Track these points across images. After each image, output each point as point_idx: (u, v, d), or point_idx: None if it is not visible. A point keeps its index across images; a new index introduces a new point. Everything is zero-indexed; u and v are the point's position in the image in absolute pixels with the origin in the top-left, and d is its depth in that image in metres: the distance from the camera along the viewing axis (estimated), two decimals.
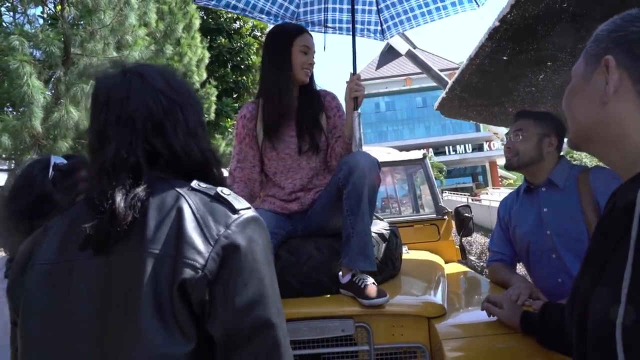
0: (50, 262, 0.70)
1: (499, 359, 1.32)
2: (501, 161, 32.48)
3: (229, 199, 0.72)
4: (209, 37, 11.46)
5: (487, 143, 29.50)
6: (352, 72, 1.81)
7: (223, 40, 11.98)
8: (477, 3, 2.35)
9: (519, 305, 1.36)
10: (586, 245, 1.60)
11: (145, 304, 0.62)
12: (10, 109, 5.91)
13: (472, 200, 17.83)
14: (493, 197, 17.92)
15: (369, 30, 2.61)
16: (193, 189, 0.72)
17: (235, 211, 0.70)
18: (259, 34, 13.73)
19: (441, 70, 6.74)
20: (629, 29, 0.68)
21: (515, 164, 1.74)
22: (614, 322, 0.58)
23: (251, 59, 12.52)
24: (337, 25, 2.58)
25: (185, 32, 9.00)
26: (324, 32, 2.55)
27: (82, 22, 6.37)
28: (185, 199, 0.69)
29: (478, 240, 9.06)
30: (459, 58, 31.24)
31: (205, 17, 11.56)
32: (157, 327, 0.61)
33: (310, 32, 1.87)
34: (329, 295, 1.58)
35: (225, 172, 1.53)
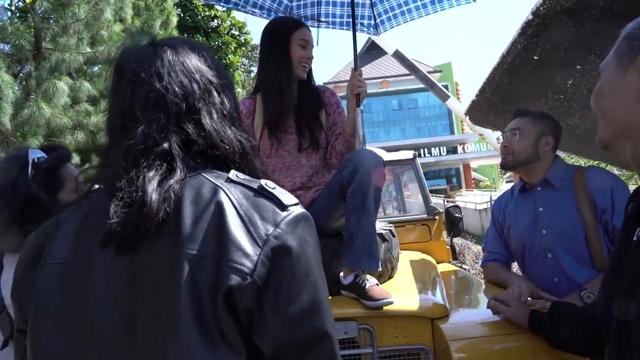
0: (65, 261, 0.61)
1: (506, 359, 1.30)
2: (474, 164, 33.18)
3: (276, 193, 0.64)
4: (186, 34, 11.26)
5: (461, 146, 30.05)
6: (354, 68, 1.78)
7: (200, 38, 11.81)
8: None
9: (526, 304, 1.36)
10: (582, 245, 1.62)
11: (183, 310, 0.54)
12: None
13: (447, 201, 18.11)
14: (467, 198, 18.27)
15: (362, 24, 2.56)
16: (232, 181, 0.64)
17: (283, 207, 0.62)
18: (236, 32, 13.60)
19: None
20: None
21: (511, 162, 1.74)
22: None
23: (229, 58, 12.39)
24: (330, 19, 2.53)
25: (162, 29, 8.79)
26: (317, 27, 2.51)
27: (53, 16, 6.13)
28: (225, 192, 0.61)
29: (455, 242, 9.18)
30: (433, 62, 31.74)
31: (182, 15, 11.36)
32: (198, 336, 0.54)
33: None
34: (330, 297, 1.54)
35: None
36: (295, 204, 0.64)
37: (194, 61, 0.69)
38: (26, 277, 0.63)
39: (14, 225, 1.14)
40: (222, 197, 0.60)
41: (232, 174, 0.65)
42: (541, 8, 1.58)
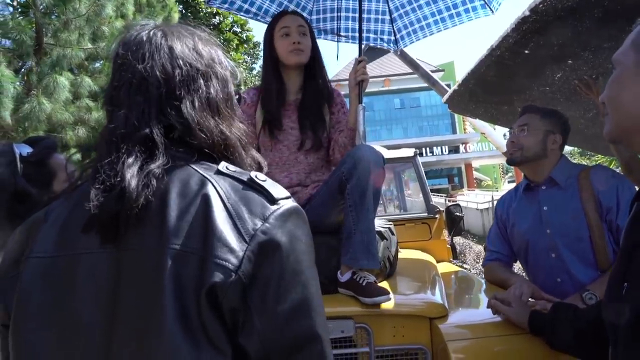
0: (49, 255, 0.58)
1: None
2: (476, 163, 33.11)
3: (266, 185, 0.61)
4: None
5: (463, 145, 29.97)
6: (357, 56, 1.77)
7: None
8: (490, 9, 2.32)
9: (527, 305, 1.33)
10: (587, 244, 1.59)
11: (167, 309, 0.51)
12: None
13: (449, 201, 18.07)
14: (469, 198, 18.23)
15: (382, 39, 2.56)
16: (221, 173, 0.61)
17: (273, 201, 0.59)
18: (238, 30, 13.57)
19: None
20: None
21: (518, 158, 1.71)
22: None
23: (231, 55, 12.35)
24: (350, 34, 2.53)
25: None
26: (337, 41, 2.51)
27: (54, 11, 6.13)
28: (213, 185, 0.58)
29: (456, 241, 9.17)
30: (436, 61, 31.64)
31: (184, 12, 11.34)
32: (182, 337, 0.51)
33: (297, 13, 1.86)
34: (327, 295, 1.51)
35: None
36: (287, 197, 0.62)
37: (181, 46, 0.67)
38: (10, 271, 0.61)
39: (6, 223, 1.12)
40: (210, 189, 0.58)
41: (222, 165, 0.63)
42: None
